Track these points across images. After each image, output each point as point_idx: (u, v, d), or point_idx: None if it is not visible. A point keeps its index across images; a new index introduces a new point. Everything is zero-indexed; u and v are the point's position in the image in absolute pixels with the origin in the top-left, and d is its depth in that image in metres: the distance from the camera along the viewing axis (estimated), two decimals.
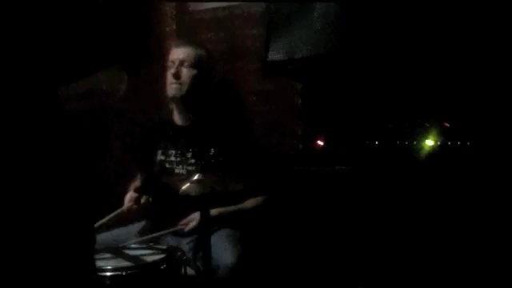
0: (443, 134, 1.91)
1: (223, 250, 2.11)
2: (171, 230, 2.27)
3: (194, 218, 2.27)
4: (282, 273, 2.46)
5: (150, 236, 2.22)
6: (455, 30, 1.79)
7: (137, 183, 2.40)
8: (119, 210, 2.31)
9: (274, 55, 2.11)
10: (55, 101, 0.80)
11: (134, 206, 2.33)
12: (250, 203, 2.40)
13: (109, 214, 2.31)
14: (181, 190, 1.78)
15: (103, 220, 2.22)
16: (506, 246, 1.96)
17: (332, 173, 2.10)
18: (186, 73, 2.43)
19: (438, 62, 1.89)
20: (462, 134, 1.88)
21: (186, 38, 2.80)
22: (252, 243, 2.33)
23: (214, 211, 2.26)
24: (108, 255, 2.02)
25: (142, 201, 2.33)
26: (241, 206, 2.39)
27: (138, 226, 2.41)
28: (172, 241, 2.31)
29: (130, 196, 2.35)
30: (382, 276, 2.17)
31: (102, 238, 2.26)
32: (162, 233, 2.25)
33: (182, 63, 2.44)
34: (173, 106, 2.57)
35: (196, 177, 1.85)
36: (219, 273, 2.06)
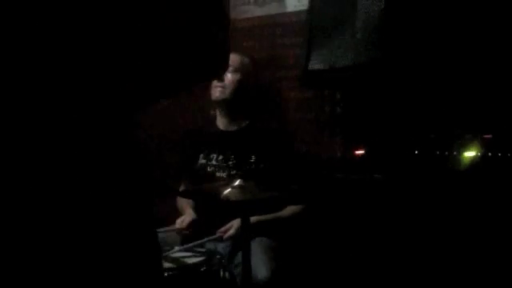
0: (484, 145, 1.89)
1: (258, 262, 2.13)
2: (210, 238, 2.30)
3: (233, 225, 2.30)
4: (317, 283, 2.46)
5: (191, 244, 2.26)
6: (499, 42, 1.78)
7: (188, 217, 2.39)
8: (171, 228, 2.34)
9: (315, 64, 2.13)
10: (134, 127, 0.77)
11: (184, 232, 2.35)
12: (288, 211, 2.43)
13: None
14: (222, 195, 1.82)
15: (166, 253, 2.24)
16: None
17: (371, 181, 2.11)
18: (229, 77, 2.50)
19: (481, 72, 1.88)
20: (503, 145, 1.86)
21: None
22: (289, 254, 2.35)
23: (253, 218, 2.29)
24: None
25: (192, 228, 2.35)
26: (279, 214, 2.41)
27: (176, 231, 2.45)
28: (209, 244, 2.36)
29: (181, 224, 2.36)
30: (426, 285, 2.15)
31: None
32: (201, 241, 2.27)
33: None
34: (216, 111, 2.63)
35: (237, 182, 1.89)
36: (254, 284, 2.05)
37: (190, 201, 2.54)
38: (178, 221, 2.36)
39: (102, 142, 0.72)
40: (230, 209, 2.10)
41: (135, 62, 0.71)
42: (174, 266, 1.97)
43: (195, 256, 2.09)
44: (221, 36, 0.77)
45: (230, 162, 2.44)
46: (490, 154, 1.85)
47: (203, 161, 2.53)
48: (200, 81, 1.04)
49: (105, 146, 0.72)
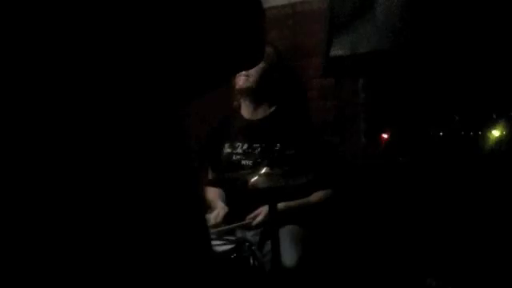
0: (509, 125, 1.88)
1: (286, 249, 2.14)
2: (239, 224, 2.32)
3: (261, 211, 2.31)
4: (345, 269, 2.48)
5: (219, 229, 2.30)
6: None
7: (222, 210, 2.37)
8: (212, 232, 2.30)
9: (337, 51, 2.14)
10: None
11: (221, 228, 2.31)
12: (316, 196, 2.44)
13: None
14: (249, 183, 1.86)
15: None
16: None
17: (396, 165, 2.12)
18: None
19: (504, 52, 1.86)
20: None
21: None
22: (317, 241, 2.37)
23: (280, 205, 2.31)
24: None
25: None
26: (306, 199, 2.43)
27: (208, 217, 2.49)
28: (238, 232, 2.40)
29: (215, 218, 2.34)
30: (451, 270, 2.16)
31: None
32: (230, 227, 2.30)
33: None
34: (240, 100, 2.66)
35: (264, 170, 1.91)
36: (282, 271, 2.06)
37: (219, 192, 2.57)
38: (212, 216, 2.36)
39: (153, 134, 0.73)
40: (258, 196, 2.12)
41: (181, 55, 0.72)
42: None
43: (225, 244, 2.13)
44: (258, 25, 0.78)
45: (256, 151, 2.47)
46: None
47: (228, 150, 2.56)
48: (240, 70, 1.06)
49: (156, 139, 0.73)
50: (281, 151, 2.42)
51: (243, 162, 2.49)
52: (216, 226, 2.30)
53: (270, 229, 1.97)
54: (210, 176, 2.63)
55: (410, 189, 2.19)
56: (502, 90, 1.96)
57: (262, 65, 2.52)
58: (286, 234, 2.28)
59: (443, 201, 2.08)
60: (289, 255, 2.14)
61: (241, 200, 2.41)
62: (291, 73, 2.75)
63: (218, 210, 2.39)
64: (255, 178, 1.87)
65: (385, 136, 2.19)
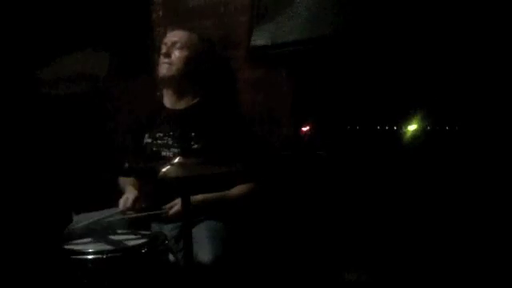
0: (427, 119, 1.90)
1: (203, 245, 2.08)
2: (155, 212, 2.25)
3: (178, 201, 2.23)
4: (265, 264, 2.45)
5: (133, 215, 2.20)
6: (444, 15, 1.78)
7: (131, 195, 2.30)
8: (116, 212, 2.23)
9: (257, 41, 2.11)
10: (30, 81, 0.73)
11: (129, 213, 2.25)
12: (236, 190, 2.38)
13: (98, 199, 2.32)
14: (160, 173, 1.78)
15: (100, 216, 2.16)
16: (493, 231, 1.95)
17: (313, 158, 2.10)
18: (176, 53, 2.44)
19: (423, 45, 1.88)
20: (445, 119, 1.87)
21: (173, 25, 2.81)
22: (235, 237, 2.31)
23: (198, 197, 2.25)
24: (90, 239, 2.04)
25: (136, 207, 2.25)
26: (227, 192, 2.37)
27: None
28: (156, 227, 2.31)
29: (124, 203, 2.26)
30: (369, 263, 2.16)
31: (88, 218, 2.26)
32: (146, 213, 2.23)
33: (173, 44, 2.46)
34: (163, 89, 2.57)
35: (177, 159, 1.84)
36: (198, 267, 2.01)
37: (132, 180, 2.47)
38: (121, 201, 2.26)
39: None
40: (171, 187, 2.03)
41: None
42: (114, 248, 1.91)
43: (138, 238, 2.04)
44: None
45: (175, 140, 2.39)
46: (429, 128, 1.86)
47: (149, 140, 2.47)
48: None
49: None
50: (197, 141, 2.35)
51: (163, 153, 2.41)
52: (127, 210, 2.22)
53: (182, 222, 1.89)
54: (125, 166, 2.53)
55: (329, 183, 2.17)
56: (420, 84, 1.97)
57: (185, 53, 2.44)
58: (203, 229, 2.21)
59: (361, 195, 2.08)
60: (205, 251, 2.07)
61: (156, 191, 2.32)
62: (219, 63, 2.68)
63: (126, 195, 2.29)
64: (167, 167, 1.79)
65: (305, 129, 2.17)
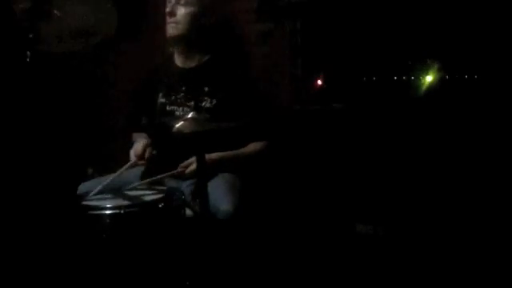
0: (442, 69, 1.85)
1: (221, 197, 2.08)
2: (171, 173, 2.26)
3: (194, 160, 2.21)
4: (280, 217, 2.47)
5: (150, 179, 2.23)
6: None
7: (140, 142, 2.30)
8: (127, 166, 2.22)
9: None
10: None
11: (140, 162, 2.26)
12: (251, 148, 2.38)
13: (112, 160, 2.33)
14: (174, 128, 1.77)
15: (115, 174, 2.16)
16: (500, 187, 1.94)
17: (330, 111, 2.07)
18: (181, 11, 2.38)
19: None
20: (460, 67, 1.83)
21: None
22: (252, 190, 2.32)
23: (214, 155, 2.25)
24: (108, 195, 2.06)
25: (147, 155, 2.26)
26: (242, 150, 2.36)
27: (139, 169, 2.41)
28: (172, 183, 2.32)
29: (134, 151, 2.27)
30: (380, 215, 2.17)
31: (105, 180, 2.29)
32: (162, 176, 2.24)
33: (177, 1, 2.39)
34: (173, 48, 2.53)
35: (190, 115, 1.83)
36: (216, 218, 2.02)
37: (143, 134, 2.46)
38: (132, 151, 2.26)
39: None
40: (186, 143, 2.03)
41: None
42: (131, 203, 1.93)
43: (155, 194, 2.06)
44: None
45: (189, 98, 2.37)
46: (447, 76, 1.82)
47: (162, 100, 2.45)
48: None
49: None
50: (210, 98, 2.33)
51: (177, 113, 2.40)
52: (139, 159, 2.22)
53: (197, 177, 1.89)
54: (143, 121, 2.53)
55: (345, 136, 2.15)
56: (436, 35, 1.92)
57: (191, 9, 2.38)
58: (220, 182, 2.22)
59: (376, 147, 2.06)
60: (222, 202, 2.08)
61: (171, 149, 2.32)
62: (226, 17, 2.63)
63: (136, 144, 2.29)
64: (180, 123, 1.79)
65: (319, 82, 2.13)
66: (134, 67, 2.85)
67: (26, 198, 2.09)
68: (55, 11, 1.99)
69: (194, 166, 2.23)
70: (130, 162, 2.24)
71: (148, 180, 2.23)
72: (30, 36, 1.91)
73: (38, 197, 1.96)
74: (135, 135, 2.52)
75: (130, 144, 2.39)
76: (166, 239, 1.92)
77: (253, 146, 2.38)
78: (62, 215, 1.94)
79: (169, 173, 2.26)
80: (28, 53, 1.93)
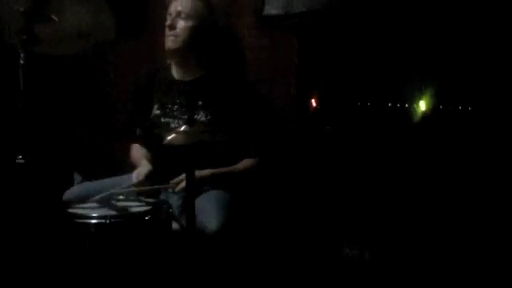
0: (437, 98, 1.87)
1: (209, 213, 2.08)
2: (161, 186, 2.25)
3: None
4: (268, 234, 2.46)
5: (141, 188, 2.21)
6: None
7: (144, 169, 2.29)
8: (129, 187, 2.21)
9: (271, 9, 2.06)
10: None
11: (139, 188, 2.24)
12: (243, 165, 2.38)
13: (101, 166, 2.31)
14: (165, 141, 1.76)
15: (114, 191, 2.15)
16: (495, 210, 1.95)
17: (323, 134, 2.07)
18: (182, 24, 2.38)
19: (436, 25, 1.83)
20: (455, 98, 1.84)
21: None
22: (242, 207, 2.31)
23: (206, 171, 2.25)
24: (95, 204, 2.04)
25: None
26: (234, 167, 2.36)
27: (131, 178, 2.38)
28: (162, 195, 2.31)
29: (138, 175, 2.26)
30: (368, 237, 2.16)
31: (94, 186, 2.27)
32: (152, 187, 2.23)
33: (178, 14, 2.39)
34: (171, 60, 2.53)
35: (182, 128, 1.82)
36: (204, 235, 2.02)
37: (144, 152, 2.47)
38: (134, 174, 2.27)
39: None
40: (176, 154, 2.02)
41: None
42: (117, 214, 1.91)
43: (142, 205, 2.04)
44: None
45: (183, 111, 2.37)
46: (441, 106, 1.83)
47: (157, 111, 2.45)
48: None
49: None
50: (205, 112, 2.33)
51: (172, 125, 2.39)
52: (139, 185, 2.22)
53: (186, 192, 1.88)
54: (138, 132, 2.52)
55: (335, 158, 2.15)
56: (434, 61, 1.93)
57: (190, 23, 2.38)
58: (209, 198, 2.22)
59: (366, 171, 2.06)
60: (211, 219, 2.07)
61: (165, 160, 2.31)
62: (225, 31, 2.63)
63: (140, 168, 2.30)
64: (172, 135, 1.78)
65: (313, 102, 2.14)
66: (133, 70, 2.84)
67: (12, 202, 2.06)
68: (53, 14, 1.98)
69: (184, 184, 2.22)
70: (132, 183, 2.21)
71: (140, 189, 2.20)
72: (25, 37, 1.90)
73: (24, 201, 1.94)
74: (135, 152, 2.50)
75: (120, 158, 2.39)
76: (151, 252, 1.90)
77: (244, 163, 2.38)
78: (47, 220, 1.93)
79: (160, 186, 2.25)
80: (22, 54, 1.91)
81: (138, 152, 2.49)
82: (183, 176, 2.22)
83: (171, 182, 2.25)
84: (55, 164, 2.52)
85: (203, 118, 2.33)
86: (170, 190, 2.26)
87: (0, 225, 2.17)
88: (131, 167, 2.40)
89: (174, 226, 2.09)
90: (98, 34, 2.08)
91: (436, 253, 2.03)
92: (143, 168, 2.30)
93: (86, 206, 2.02)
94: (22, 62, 1.86)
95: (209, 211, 2.10)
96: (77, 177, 2.67)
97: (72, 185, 2.50)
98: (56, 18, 1.99)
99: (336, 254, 2.18)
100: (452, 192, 1.98)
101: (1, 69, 2.42)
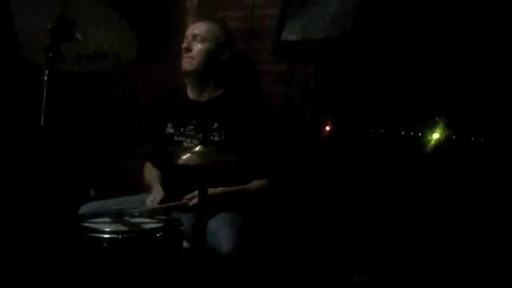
0: (450, 128, 1.88)
1: (221, 234, 2.11)
2: (175, 204, 2.27)
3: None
4: (277, 260, 2.46)
5: (154, 207, 2.24)
6: (471, 21, 1.76)
7: (159, 194, 2.32)
8: (144, 209, 2.23)
9: (288, 35, 2.10)
10: None
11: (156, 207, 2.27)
12: (254, 185, 2.40)
13: (113, 184, 2.35)
14: (180, 160, 1.79)
15: (129, 210, 2.16)
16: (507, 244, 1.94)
17: (336, 159, 2.09)
18: (197, 47, 2.44)
19: (452, 55, 1.86)
20: (468, 129, 1.85)
21: (203, 14, 2.81)
22: (253, 230, 2.33)
23: (218, 190, 2.28)
24: (108, 219, 2.07)
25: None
26: (246, 186, 2.39)
27: (144, 197, 2.42)
28: (175, 214, 2.33)
29: (152, 202, 2.29)
30: (377, 265, 2.16)
31: (108, 204, 2.31)
32: (165, 205, 2.25)
33: (194, 37, 2.46)
34: (187, 80, 2.59)
35: (197, 148, 1.86)
36: (215, 257, 2.05)
37: (157, 174, 2.50)
38: (149, 200, 2.30)
39: None
40: (189, 174, 2.05)
41: None
42: (129, 229, 1.94)
43: (154, 222, 2.07)
44: None
45: (197, 131, 2.41)
46: (454, 136, 1.84)
47: (171, 130, 2.50)
48: None
49: None
50: (218, 133, 2.36)
51: (185, 144, 2.43)
52: (153, 212, 2.23)
53: (198, 211, 1.91)
54: (149, 148, 2.56)
55: (347, 183, 2.17)
56: (446, 92, 1.95)
57: (206, 46, 2.45)
58: (220, 220, 2.24)
59: (377, 198, 2.07)
60: (223, 241, 2.09)
61: (177, 179, 2.34)
62: (243, 55, 2.69)
63: (154, 195, 2.33)
64: (187, 155, 1.81)
65: (327, 128, 2.16)
66: (153, 89, 2.90)
67: (27, 215, 2.10)
68: (77, 34, 2.04)
69: (197, 199, 2.24)
70: (149, 207, 2.24)
71: (152, 207, 2.24)
72: (51, 55, 1.96)
73: (39, 214, 1.98)
74: (148, 174, 2.53)
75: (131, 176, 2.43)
76: (161, 268, 1.92)
77: (256, 183, 2.40)
78: (61, 234, 1.96)
79: (173, 203, 2.28)
80: (46, 71, 1.97)
81: (150, 173, 2.52)
82: (195, 193, 2.26)
83: (184, 198, 2.28)
84: (73, 178, 2.57)
85: (217, 138, 2.37)
86: (184, 206, 2.28)
87: (14, 235, 2.21)
88: (144, 187, 2.45)
89: (185, 244, 2.11)
90: (119, 53, 2.14)
91: (444, 284, 2.02)
92: (157, 194, 2.32)
93: (99, 220, 2.05)
94: (45, 78, 1.92)
95: (220, 231, 2.12)
96: (92, 192, 2.71)
97: (88, 199, 2.54)
98: (80, 37, 2.05)
99: (344, 281, 2.18)
100: (462, 222, 1.98)
101: (23, 85, 2.49)
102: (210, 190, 2.03)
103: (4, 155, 2.51)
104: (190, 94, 2.56)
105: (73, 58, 2.04)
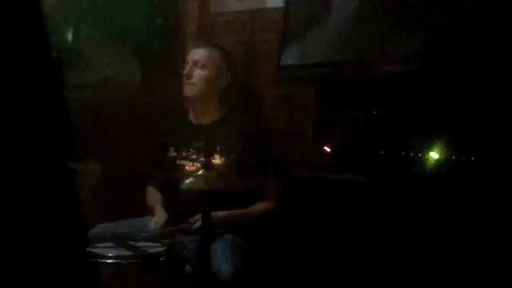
0: (449, 148, 1.90)
1: (223, 258, 2.12)
2: (178, 227, 2.29)
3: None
4: (280, 284, 2.45)
5: (157, 230, 2.25)
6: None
7: (162, 217, 2.35)
8: (147, 233, 2.24)
9: (287, 59, 2.14)
10: None
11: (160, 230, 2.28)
12: (257, 208, 2.42)
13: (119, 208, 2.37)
14: (183, 185, 1.81)
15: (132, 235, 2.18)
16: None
17: (338, 182, 2.10)
18: (198, 73, 2.48)
19: (453, 71, 1.88)
20: (467, 148, 1.86)
21: (203, 40, 2.86)
22: (255, 254, 2.34)
23: (221, 213, 2.29)
24: (111, 244, 2.07)
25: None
26: (249, 209, 2.40)
27: (147, 220, 2.43)
28: (178, 237, 2.34)
29: (155, 223, 2.31)
30: None
31: (110, 228, 2.31)
32: (168, 229, 2.27)
33: (195, 64, 2.49)
34: (188, 105, 2.62)
35: (200, 172, 1.88)
36: (217, 280, 2.05)
37: (160, 197, 2.51)
38: (152, 223, 2.31)
39: None
40: (194, 199, 2.07)
41: None
42: (133, 254, 1.95)
43: (157, 246, 2.07)
44: None
45: (200, 155, 2.43)
46: (453, 157, 1.86)
47: (173, 154, 2.52)
48: None
49: None
50: (221, 154, 2.39)
51: (187, 168, 2.45)
52: (157, 236, 2.25)
53: (202, 235, 1.92)
54: (151, 172, 2.58)
55: (350, 206, 2.17)
56: (446, 111, 1.97)
57: (206, 72, 2.48)
58: (224, 243, 2.25)
59: (380, 220, 2.07)
60: (226, 264, 2.10)
61: (180, 203, 2.36)
62: (244, 80, 2.73)
63: (157, 218, 2.34)
64: (190, 179, 1.83)
65: (328, 149, 2.18)
66: (156, 113, 2.93)
67: (33, 236, 2.10)
68: (81, 61, 2.08)
69: (200, 223, 2.25)
70: (152, 230, 2.26)
71: (156, 231, 2.24)
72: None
73: (45, 234, 1.98)
74: (151, 197, 2.55)
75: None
76: None
77: (258, 207, 2.41)
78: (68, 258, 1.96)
79: (176, 227, 2.29)
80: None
81: (153, 197, 2.53)
82: (199, 216, 2.27)
83: (187, 221, 2.29)
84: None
85: (219, 162, 2.39)
86: (187, 229, 2.29)
87: (19, 255, 2.21)
88: (147, 210, 2.46)
89: (188, 268, 2.11)
90: (122, 79, 2.17)
91: None
92: (160, 217, 2.34)
93: (102, 245, 2.06)
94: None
95: (222, 256, 2.13)
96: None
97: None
98: (83, 64, 2.09)
99: None
100: (467, 247, 1.96)
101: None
102: (213, 214, 2.04)
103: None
104: (192, 118, 2.59)
105: (77, 86, 2.07)
